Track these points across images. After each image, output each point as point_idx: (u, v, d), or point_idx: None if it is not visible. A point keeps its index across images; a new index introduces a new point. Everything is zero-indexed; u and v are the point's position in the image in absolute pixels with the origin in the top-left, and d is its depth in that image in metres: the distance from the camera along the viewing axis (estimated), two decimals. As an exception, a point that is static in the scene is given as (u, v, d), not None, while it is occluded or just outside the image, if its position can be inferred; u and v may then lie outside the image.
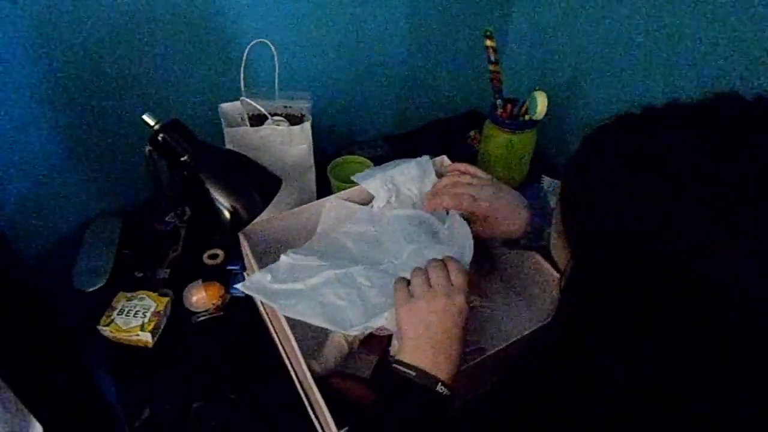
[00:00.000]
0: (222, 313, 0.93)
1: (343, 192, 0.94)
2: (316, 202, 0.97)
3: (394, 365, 0.63)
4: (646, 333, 0.40)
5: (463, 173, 0.83)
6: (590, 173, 0.45)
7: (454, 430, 0.59)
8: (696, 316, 0.38)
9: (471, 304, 0.88)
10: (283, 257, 0.80)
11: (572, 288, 0.47)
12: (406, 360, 0.62)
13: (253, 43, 0.91)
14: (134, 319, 0.88)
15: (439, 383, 0.59)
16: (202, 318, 0.93)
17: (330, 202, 0.92)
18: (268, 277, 0.76)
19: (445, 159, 1.04)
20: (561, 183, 0.51)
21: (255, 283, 0.76)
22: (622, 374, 0.42)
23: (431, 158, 0.95)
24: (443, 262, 0.68)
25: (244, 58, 0.91)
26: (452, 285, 0.65)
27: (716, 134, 0.39)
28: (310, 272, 0.76)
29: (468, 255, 0.74)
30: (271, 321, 0.89)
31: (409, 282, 0.67)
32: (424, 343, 0.62)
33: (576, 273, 0.46)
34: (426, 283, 0.65)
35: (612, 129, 0.45)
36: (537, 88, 1.01)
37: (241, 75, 0.93)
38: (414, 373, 0.60)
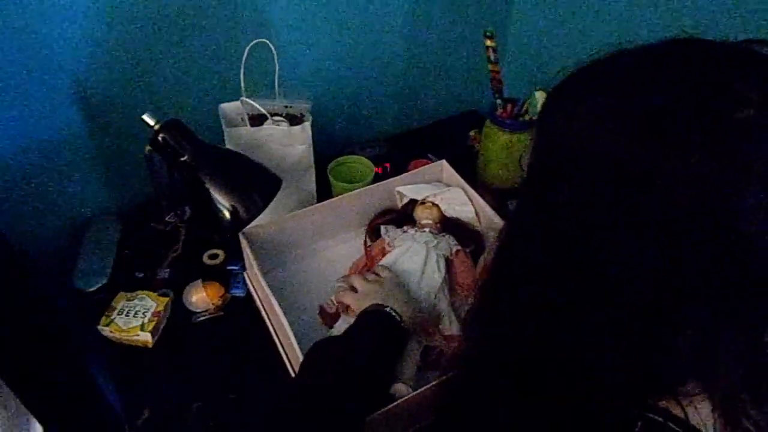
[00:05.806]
0: (222, 313, 0.93)
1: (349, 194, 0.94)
2: (317, 205, 0.97)
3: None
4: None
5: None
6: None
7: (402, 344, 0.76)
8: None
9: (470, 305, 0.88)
10: None
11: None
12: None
13: (253, 43, 0.91)
14: (134, 319, 0.88)
15: (388, 307, 0.75)
16: (202, 318, 0.93)
17: None
18: None
19: (444, 164, 1.04)
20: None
21: None
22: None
23: (431, 159, 0.95)
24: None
25: (244, 58, 0.91)
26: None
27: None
28: None
29: None
30: (270, 320, 0.89)
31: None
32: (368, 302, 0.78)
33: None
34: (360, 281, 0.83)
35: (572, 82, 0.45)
36: (537, 88, 1.00)
37: (241, 75, 0.93)
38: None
